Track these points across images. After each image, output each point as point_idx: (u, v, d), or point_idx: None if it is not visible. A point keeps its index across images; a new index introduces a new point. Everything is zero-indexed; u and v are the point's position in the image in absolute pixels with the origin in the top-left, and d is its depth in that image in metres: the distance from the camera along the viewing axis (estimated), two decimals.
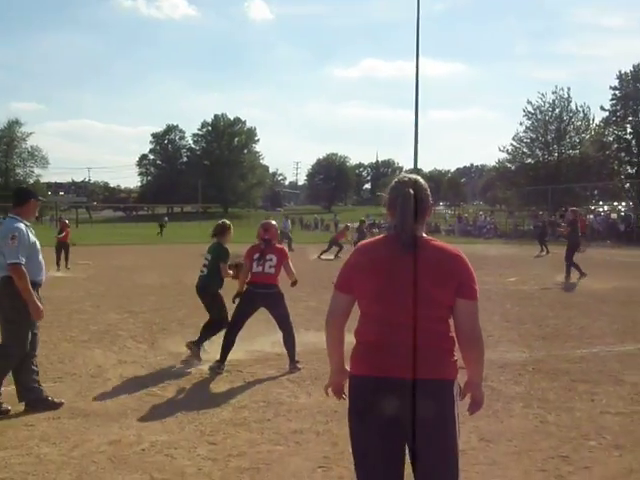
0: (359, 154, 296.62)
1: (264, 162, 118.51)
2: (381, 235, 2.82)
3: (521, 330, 9.72)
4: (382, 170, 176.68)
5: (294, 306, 12.01)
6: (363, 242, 2.84)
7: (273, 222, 7.60)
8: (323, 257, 25.16)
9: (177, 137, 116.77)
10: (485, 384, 6.48)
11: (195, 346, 7.62)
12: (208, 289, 7.75)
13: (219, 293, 7.81)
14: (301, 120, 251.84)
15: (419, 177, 2.81)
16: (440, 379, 2.64)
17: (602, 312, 11.57)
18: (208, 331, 7.69)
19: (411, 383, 2.56)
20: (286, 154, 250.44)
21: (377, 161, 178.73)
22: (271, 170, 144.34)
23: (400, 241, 2.66)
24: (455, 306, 2.67)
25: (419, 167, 56.97)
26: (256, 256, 7.22)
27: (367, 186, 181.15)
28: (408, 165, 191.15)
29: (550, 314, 11.33)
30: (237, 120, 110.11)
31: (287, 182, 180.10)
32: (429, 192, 2.80)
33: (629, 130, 52.14)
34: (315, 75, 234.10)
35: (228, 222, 8.12)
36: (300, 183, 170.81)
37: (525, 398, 6.13)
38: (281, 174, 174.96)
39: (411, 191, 2.71)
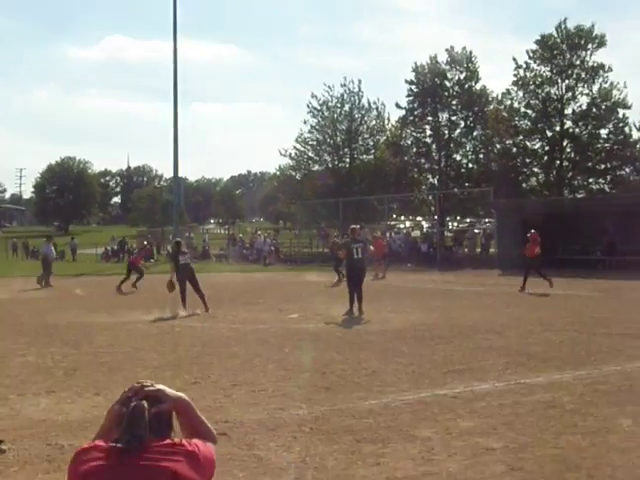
0: (105, 159, 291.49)
1: None
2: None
3: (300, 380, 10.01)
4: (135, 179, 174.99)
5: (7, 363, 11.45)
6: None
7: None
8: (123, 288, 25.67)
9: None
10: (250, 452, 6.71)
11: None
12: None
13: None
14: (25, 113, 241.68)
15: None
16: None
17: (398, 352, 12.26)
18: None
19: None
20: (5, 158, 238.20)
21: (129, 167, 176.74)
22: None
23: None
24: None
25: (182, 175, 57.00)
26: None
27: (116, 199, 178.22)
28: (167, 172, 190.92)
29: (337, 358, 11.80)
30: None
31: (8, 195, 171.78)
32: None
33: (428, 132, 56.03)
34: (43, 55, 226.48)
35: None
36: (26, 196, 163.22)
37: (299, 468, 6.29)
38: None
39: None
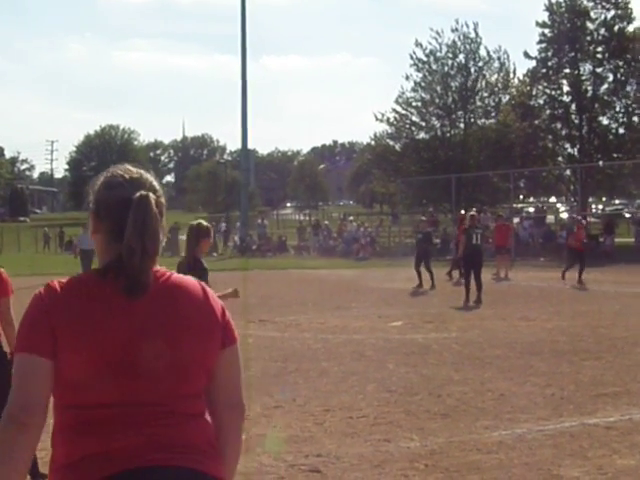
0: (155, 127, 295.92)
1: None
2: (82, 273, 2.89)
3: (410, 405, 10.02)
4: (193, 152, 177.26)
5: None
6: (66, 280, 2.78)
7: None
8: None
9: None
10: None
11: None
12: None
13: None
14: (56, 74, 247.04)
15: (147, 173, 2.92)
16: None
17: (533, 370, 12.16)
18: None
19: None
20: (33, 129, 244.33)
21: (184, 138, 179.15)
22: (8, 154, 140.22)
23: (129, 282, 2.69)
24: (218, 359, 2.85)
25: (251, 147, 57.45)
26: None
27: (169, 178, 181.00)
28: (233, 144, 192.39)
29: (455, 377, 11.77)
30: None
31: (36, 174, 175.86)
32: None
33: (566, 89, 55.16)
34: None
35: None
36: (58, 175, 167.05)
37: None
38: (26, 161, 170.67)
39: (151, 196, 2.77)
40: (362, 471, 7.36)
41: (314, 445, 8.24)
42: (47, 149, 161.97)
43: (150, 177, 2.88)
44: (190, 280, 2.88)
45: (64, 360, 2.65)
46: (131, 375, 2.66)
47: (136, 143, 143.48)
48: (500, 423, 9.03)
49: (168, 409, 2.70)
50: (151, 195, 2.75)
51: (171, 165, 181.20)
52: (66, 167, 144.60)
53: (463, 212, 35.11)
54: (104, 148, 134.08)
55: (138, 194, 2.72)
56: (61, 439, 2.70)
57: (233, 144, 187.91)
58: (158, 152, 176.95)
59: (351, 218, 60.26)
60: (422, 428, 8.87)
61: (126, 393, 2.66)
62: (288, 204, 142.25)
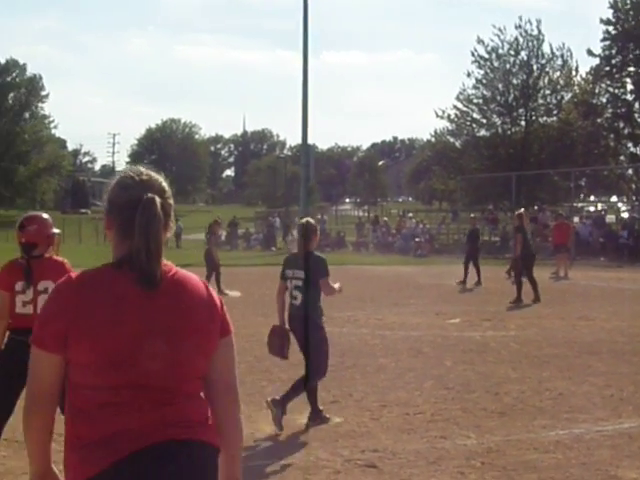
0: (216, 122, 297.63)
1: (57, 133, 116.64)
2: (100, 266, 3.07)
3: (467, 402, 10.05)
4: (253, 147, 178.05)
5: None
6: (83, 274, 3.06)
7: (44, 215, 7.59)
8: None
9: None
10: None
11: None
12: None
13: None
14: (118, 67, 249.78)
15: (157, 175, 3.18)
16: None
17: (592, 370, 12.12)
18: None
19: None
20: (95, 121, 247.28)
21: (245, 132, 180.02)
22: (70, 147, 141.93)
23: (142, 276, 2.95)
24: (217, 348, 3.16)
25: (311, 142, 57.82)
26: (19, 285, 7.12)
27: (229, 172, 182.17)
28: (293, 139, 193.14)
29: (512, 375, 11.78)
30: (10, 64, 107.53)
31: (98, 167, 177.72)
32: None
33: (630, 87, 54.57)
34: None
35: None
36: (119, 168, 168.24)
37: None
38: (88, 153, 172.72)
39: (157, 199, 3.02)
40: (418, 467, 7.41)
41: (370, 440, 8.30)
42: (109, 142, 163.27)
43: (160, 178, 3.16)
44: (194, 276, 3.17)
45: (78, 349, 2.93)
46: (143, 361, 2.92)
47: (197, 137, 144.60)
48: (558, 423, 9.01)
49: (174, 391, 2.99)
50: (157, 198, 3.00)
51: (231, 159, 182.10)
52: (127, 160, 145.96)
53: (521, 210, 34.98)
54: (165, 141, 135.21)
55: (145, 197, 2.98)
56: (81, 418, 2.96)
57: (293, 139, 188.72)
58: (219, 146, 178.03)
59: (410, 215, 60.07)
60: (479, 426, 8.88)
61: (137, 377, 2.93)
62: (347, 199, 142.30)
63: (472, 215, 34.71)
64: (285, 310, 9.46)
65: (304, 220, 10.03)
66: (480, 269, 26.89)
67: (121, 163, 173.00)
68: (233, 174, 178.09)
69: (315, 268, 9.23)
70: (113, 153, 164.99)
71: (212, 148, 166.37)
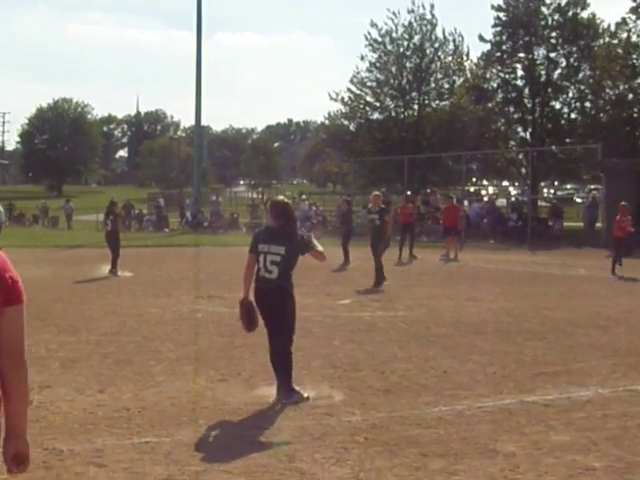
0: (109, 102, 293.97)
1: None
2: None
3: (354, 380, 10.21)
4: (146, 128, 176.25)
5: None
6: None
7: None
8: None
9: None
10: (291, 465, 6.92)
11: None
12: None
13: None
14: (8, 45, 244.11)
15: None
16: None
17: (476, 349, 12.42)
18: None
19: None
20: None
21: (138, 113, 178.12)
22: None
23: None
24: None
25: (205, 124, 57.20)
26: None
27: (122, 153, 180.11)
28: (187, 120, 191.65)
29: (399, 354, 11.99)
30: None
31: None
32: None
33: (520, 73, 55.44)
34: None
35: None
36: (9, 148, 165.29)
37: None
38: None
39: None
40: (303, 443, 7.53)
41: (257, 418, 8.38)
42: None
43: None
44: None
45: None
46: None
47: (89, 117, 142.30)
48: (441, 399, 9.23)
49: None
50: None
51: (124, 140, 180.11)
52: (17, 139, 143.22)
53: (409, 193, 35.61)
54: (57, 121, 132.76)
55: None
56: None
57: (187, 120, 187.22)
58: (112, 127, 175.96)
59: (304, 197, 60.14)
60: (364, 403, 9.04)
61: None
62: (242, 181, 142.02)
63: (345, 198, 35.01)
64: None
65: (280, 197, 10.50)
66: (348, 251, 27.63)
67: (11, 143, 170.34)
68: (126, 155, 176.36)
69: (298, 244, 9.74)
70: (3, 132, 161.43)
71: (105, 128, 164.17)
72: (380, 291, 19.87)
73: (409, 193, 36.01)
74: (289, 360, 9.44)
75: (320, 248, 9.92)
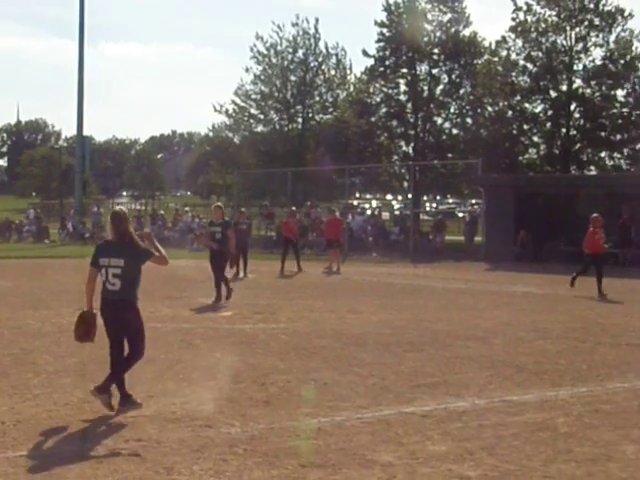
0: None
1: None
2: None
3: (234, 392, 10.19)
4: (27, 137, 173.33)
5: None
6: None
7: None
8: None
9: None
10: (169, 477, 6.89)
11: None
12: None
13: None
14: None
15: None
16: None
17: (356, 360, 12.52)
18: None
19: None
20: None
21: (18, 122, 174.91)
22: None
23: None
24: None
25: (87, 134, 56.69)
26: None
27: (1, 162, 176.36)
28: (68, 129, 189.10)
29: (280, 366, 12.02)
30: None
31: None
32: None
33: (403, 88, 56.20)
34: None
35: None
36: None
37: None
38: None
39: None
40: (181, 455, 7.50)
41: (135, 430, 8.32)
42: None
43: None
44: None
45: None
46: None
47: None
48: (320, 411, 9.27)
49: None
50: None
51: (4, 149, 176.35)
52: None
53: (294, 208, 35.84)
54: None
55: None
56: None
57: (69, 130, 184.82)
58: None
59: (187, 209, 59.79)
60: (244, 414, 9.04)
61: None
62: (124, 192, 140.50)
63: (241, 210, 35.07)
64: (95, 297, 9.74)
65: (117, 209, 10.30)
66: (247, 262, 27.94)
67: None
68: (6, 164, 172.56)
69: (136, 254, 9.82)
70: None
71: None
72: (261, 304, 19.84)
73: (294, 208, 36.26)
74: (126, 369, 9.63)
75: (162, 252, 10.25)
